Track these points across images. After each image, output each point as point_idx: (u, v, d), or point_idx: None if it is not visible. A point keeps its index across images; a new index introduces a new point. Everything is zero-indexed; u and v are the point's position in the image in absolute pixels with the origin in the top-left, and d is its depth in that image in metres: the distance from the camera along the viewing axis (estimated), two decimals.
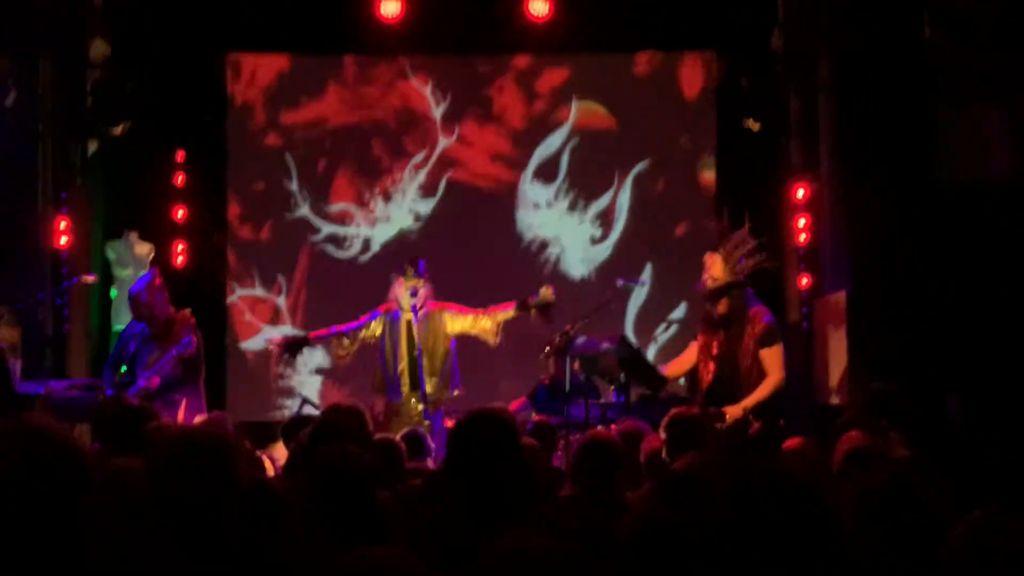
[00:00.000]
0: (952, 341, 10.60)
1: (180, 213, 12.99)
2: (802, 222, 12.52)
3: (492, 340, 10.38)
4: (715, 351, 9.41)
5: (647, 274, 13.21)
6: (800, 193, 12.50)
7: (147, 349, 9.85)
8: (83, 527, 2.57)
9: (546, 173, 13.44)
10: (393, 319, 10.32)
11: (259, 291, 13.24)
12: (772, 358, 9.14)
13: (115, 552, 2.97)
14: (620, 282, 11.21)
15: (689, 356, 9.73)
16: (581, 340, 9.91)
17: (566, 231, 13.41)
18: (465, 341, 10.51)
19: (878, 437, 6.04)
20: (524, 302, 10.26)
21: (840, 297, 11.46)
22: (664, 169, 13.41)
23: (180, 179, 13.01)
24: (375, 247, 13.35)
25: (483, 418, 4.47)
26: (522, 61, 13.45)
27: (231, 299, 13.20)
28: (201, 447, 3.24)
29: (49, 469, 2.54)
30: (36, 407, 9.19)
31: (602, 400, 10.17)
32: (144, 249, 11.47)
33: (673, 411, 6.68)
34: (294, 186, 13.30)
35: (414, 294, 10.19)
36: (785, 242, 12.47)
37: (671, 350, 12.26)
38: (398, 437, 8.21)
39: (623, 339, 9.79)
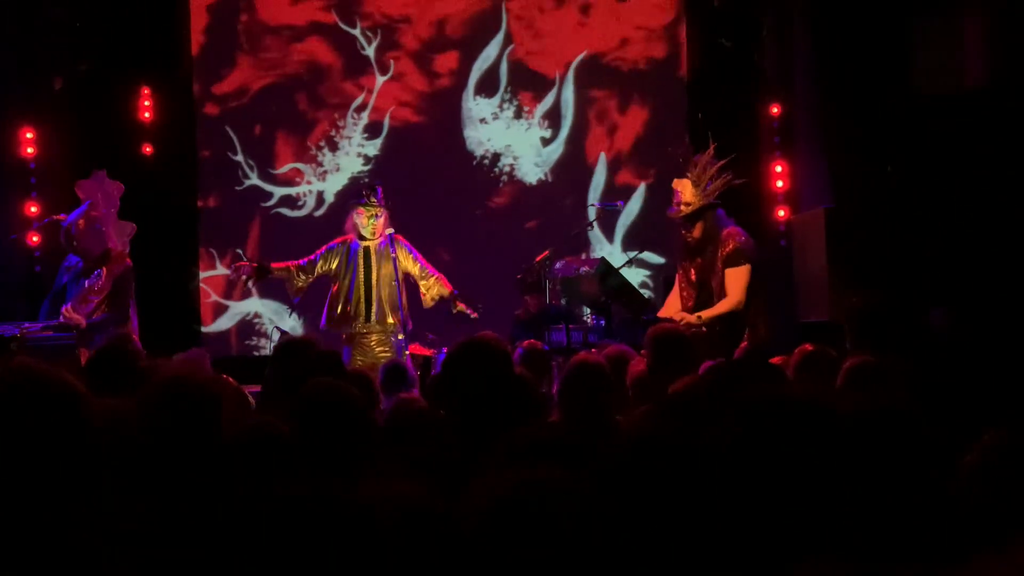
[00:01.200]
0: (932, 254, 10.57)
1: (148, 150, 12.86)
2: (777, 139, 12.48)
3: (427, 302, 10.29)
4: (693, 277, 9.37)
5: (602, 164, 13.24)
6: (775, 110, 12.43)
7: (78, 283, 9.80)
8: (78, 466, 2.52)
9: (487, 86, 13.39)
10: (351, 249, 10.22)
11: (220, 270, 13.13)
12: (732, 279, 9.08)
13: (107, 490, 2.93)
14: (597, 205, 11.15)
15: (676, 294, 9.70)
16: (559, 264, 9.86)
17: (516, 139, 13.41)
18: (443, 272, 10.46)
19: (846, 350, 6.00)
20: (454, 300, 10.15)
21: (819, 213, 11.42)
22: (608, 56, 13.38)
23: (147, 116, 12.87)
24: (329, 198, 13.27)
25: (476, 346, 4.44)
26: None
27: (192, 285, 13.13)
28: (186, 391, 3.20)
29: (49, 410, 2.49)
30: (10, 349, 9.10)
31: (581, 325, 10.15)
32: (113, 188, 11.30)
33: (653, 328, 6.61)
34: (239, 157, 13.17)
35: (377, 225, 10.10)
36: (761, 159, 12.43)
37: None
38: (380, 368, 8.20)
39: (603, 261, 9.72)
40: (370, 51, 13.24)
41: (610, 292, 9.51)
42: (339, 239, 10.32)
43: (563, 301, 10.17)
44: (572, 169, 13.33)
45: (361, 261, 10.15)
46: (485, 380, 4.34)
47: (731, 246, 9.15)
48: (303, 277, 10.29)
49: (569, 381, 5.48)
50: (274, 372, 5.24)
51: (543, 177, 13.37)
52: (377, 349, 10.06)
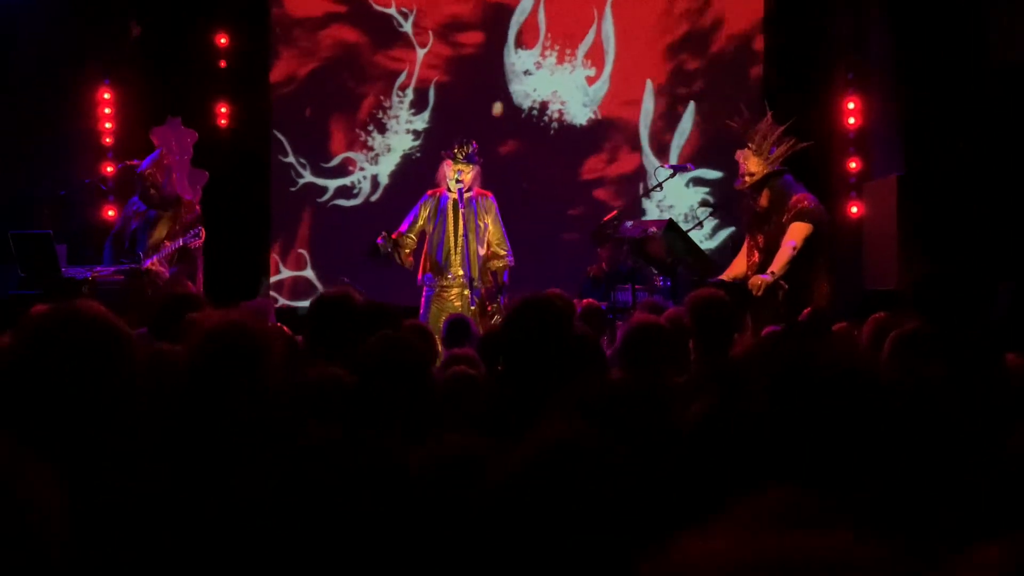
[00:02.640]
0: (1005, 225, 10.45)
1: (223, 99, 12.94)
2: (851, 104, 12.38)
3: (482, 269, 10.25)
4: (761, 243, 9.38)
5: (649, 91, 13.16)
6: (850, 75, 12.33)
7: (148, 229, 9.89)
8: (127, 407, 2.56)
9: (527, 38, 13.28)
10: (440, 201, 10.25)
11: (284, 272, 13.21)
12: (792, 231, 9.11)
13: (157, 430, 2.98)
14: (667, 166, 11.13)
15: (743, 257, 9.70)
16: (629, 224, 9.86)
17: (561, 84, 13.27)
18: (514, 224, 10.50)
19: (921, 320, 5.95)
20: (492, 291, 10.15)
21: (891, 181, 11.32)
22: None
23: (223, 64, 12.93)
24: (384, 180, 13.23)
25: (538, 302, 4.46)
26: None
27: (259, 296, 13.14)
28: (232, 338, 3.22)
29: (96, 353, 2.53)
30: (82, 292, 9.23)
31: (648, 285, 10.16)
32: (187, 135, 11.40)
33: (693, 293, 6.55)
34: (290, 158, 13.18)
35: (459, 179, 10.10)
36: (834, 124, 12.34)
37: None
38: (444, 321, 8.24)
39: (671, 223, 9.71)
40: (407, 27, 13.15)
41: (676, 254, 9.51)
42: (430, 191, 10.36)
43: (630, 262, 10.17)
44: (620, 102, 13.21)
45: (451, 213, 10.17)
46: (545, 336, 4.34)
47: (797, 208, 9.18)
48: (409, 241, 10.27)
49: (628, 341, 5.46)
50: (314, 328, 5.21)
51: (592, 116, 13.27)
52: (457, 304, 10.07)
